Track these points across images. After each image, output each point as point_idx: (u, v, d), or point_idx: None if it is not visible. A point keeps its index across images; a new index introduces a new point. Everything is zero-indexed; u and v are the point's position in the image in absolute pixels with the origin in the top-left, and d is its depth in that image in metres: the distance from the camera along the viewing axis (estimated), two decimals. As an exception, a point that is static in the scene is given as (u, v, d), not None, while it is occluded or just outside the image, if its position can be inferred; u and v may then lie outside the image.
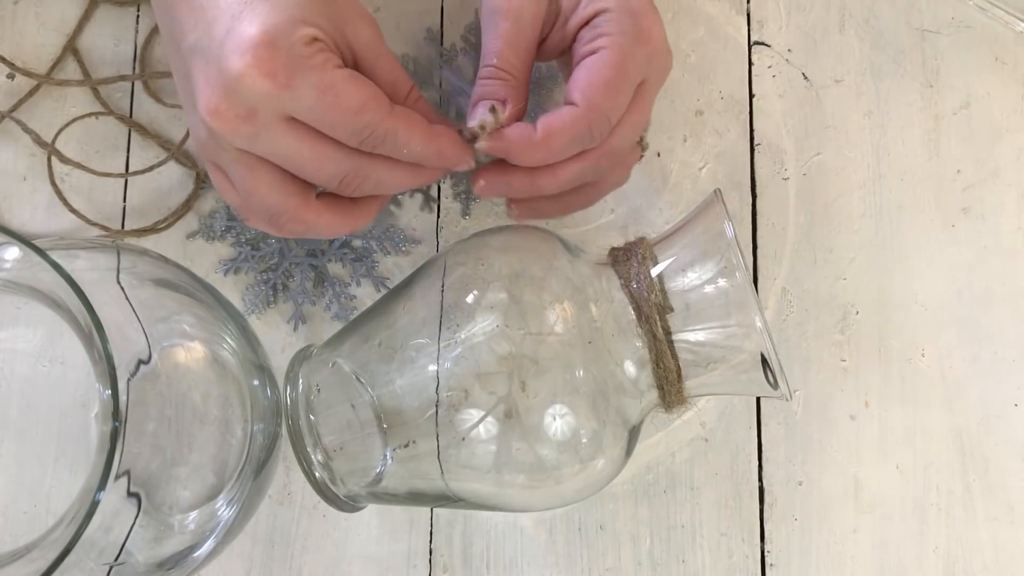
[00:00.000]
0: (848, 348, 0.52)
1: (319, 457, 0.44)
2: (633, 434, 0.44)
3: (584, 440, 0.42)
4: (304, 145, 0.38)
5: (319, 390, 0.44)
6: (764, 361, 0.41)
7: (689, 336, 0.43)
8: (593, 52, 0.41)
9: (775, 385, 0.42)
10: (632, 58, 0.41)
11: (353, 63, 0.40)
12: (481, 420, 0.42)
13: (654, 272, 0.43)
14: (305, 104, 0.37)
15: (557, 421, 0.42)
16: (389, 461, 0.43)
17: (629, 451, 0.45)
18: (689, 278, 0.43)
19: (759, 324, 0.40)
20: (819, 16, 0.55)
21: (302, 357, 0.45)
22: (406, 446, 0.43)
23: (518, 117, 0.42)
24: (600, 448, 0.43)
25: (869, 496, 0.51)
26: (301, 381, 0.44)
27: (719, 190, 0.43)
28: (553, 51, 0.44)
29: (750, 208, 0.53)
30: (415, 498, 0.45)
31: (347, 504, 0.45)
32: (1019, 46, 0.55)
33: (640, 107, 0.43)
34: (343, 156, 0.39)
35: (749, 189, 0.53)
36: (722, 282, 0.42)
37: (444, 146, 0.41)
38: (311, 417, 0.44)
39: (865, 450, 0.52)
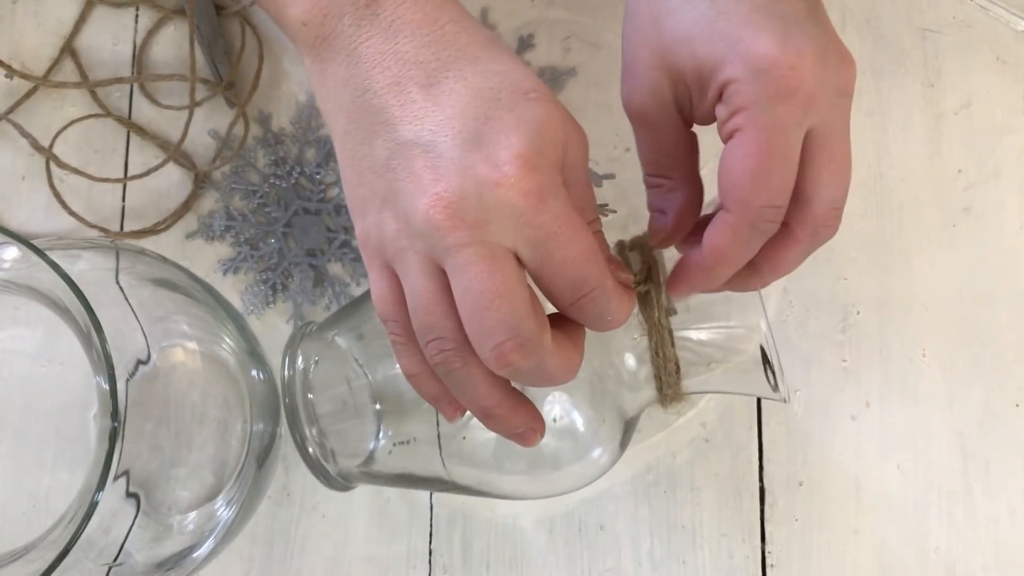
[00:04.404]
0: (849, 348, 0.52)
1: (313, 433, 0.44)
2: (629, 426, 0.44)
3: (581, 428, 0.43)
4: (503, 283, 0.34)
5: (316, 364, 0.44)
6: (764, 361, 0.41)
7: (691, 334, 0.42)
8: (731, 135, 0.36)
9: (775, 386, 0.41)
10: (776, 127, 0.35)
11: None
12: None
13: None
14: (542, 233, 0.34)
15: (556, 408, 0.42)
16: (382, 441, 0.44)
17: (624, 443, 0.45)
18: None
19: (764, 327, 0.40)
20: (819, 15, 0.55)
21: (301, 334, 0.46)
22: (407, 443, 0.43)
23: (688, 209, 0.39)
24: (597, 436, 0.43)
25: (870, 496, 0.51)
26: (300, 357, 0.44)
27: None
28: (710, 120, 0.39)
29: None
30: (408, 480, 0.45)
31: (337, 482, 0.45)
32: (1020, 45, 0.55)
33: (834, 166, 0.37)
34: (533, 319, 0.35)
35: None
36: None
37: (628, 314, 0.37)
38: (308, 395, 0.44)
39: (866, 450, 0.51)
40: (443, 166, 0.34)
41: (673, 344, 0.42)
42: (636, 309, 0.42)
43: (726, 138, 0.36)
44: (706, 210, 0.40)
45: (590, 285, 0.35)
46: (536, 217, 0.34)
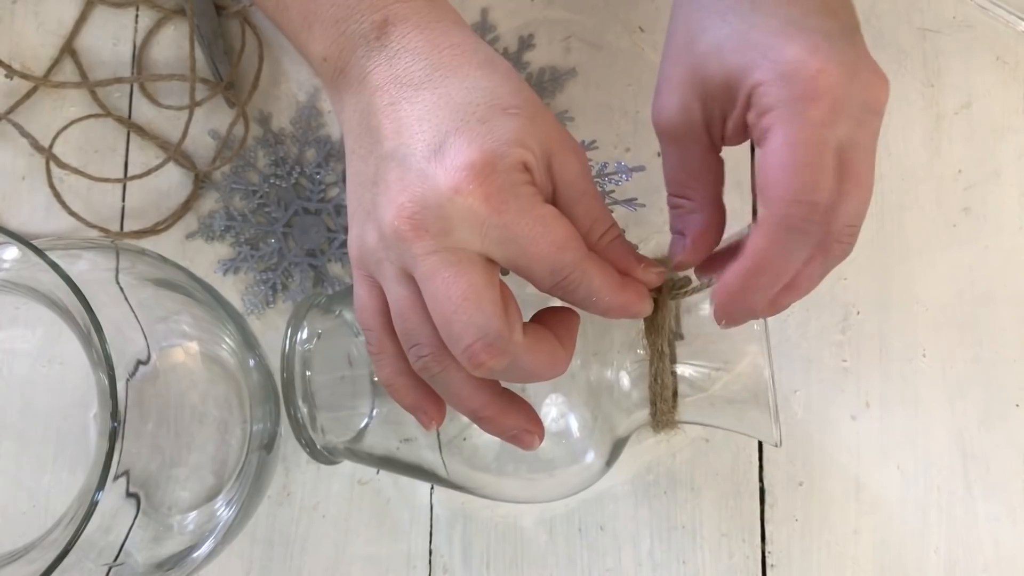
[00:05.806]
0: (849, 348, 0.52)
1: (305, 405, 0.44)
2: (617, 445, 0.44)
3: (577, 435, 0.43)
4: (468, 286, 0.35)
5: (320, 336, 0.45)
6: (761, 402, 0.41)
7: (692, 368, 0.42)
8: (763, 137, 0.36)
9: (770, 429, 0.41)
10: (805, 124, 0.35)
11: (552, 197, 0.37)
12: None
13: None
14: (509, 232, 0.35)
15: (553, 411, 0.42)
16: (373, 421, 0.44)
17: (611, 460, 0.45)
18: (704, 310, 0.42)
19: (766, 373, 0.40)
20: (819, 15, 0.55)
21: (309, 304, 0.46)
22: (408, 441, 0.43)
23: (707, 233, 0.39)
24: (591, 444, 0.43)
25: (870, 497, 0.51)
26: (305, 327, 0.45)
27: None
28: (740, 137, 0.38)
29: (750, 208, 0.53)
30: (393, 464, 0.45)
31: (322, 455, 0.45)
32: (1020, 45, 0.55)
33: (852, 183, 0.36)
34: (500, 319, 0.35)
35: (749, 188, 0.53)
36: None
37: (630, 299, 0.38)
38: (307, 372, 0.44)
39: (866, 450, 0.51)
40: (409, 177, 0.36)
41: (674, 372, 0.42)
42: (642, 332, 0.42)
43: (759, 142, 0.36)
44: (730, 240, 0.40)
45: (568, 269, 0.36)
46: (499, 219, 0.35)
